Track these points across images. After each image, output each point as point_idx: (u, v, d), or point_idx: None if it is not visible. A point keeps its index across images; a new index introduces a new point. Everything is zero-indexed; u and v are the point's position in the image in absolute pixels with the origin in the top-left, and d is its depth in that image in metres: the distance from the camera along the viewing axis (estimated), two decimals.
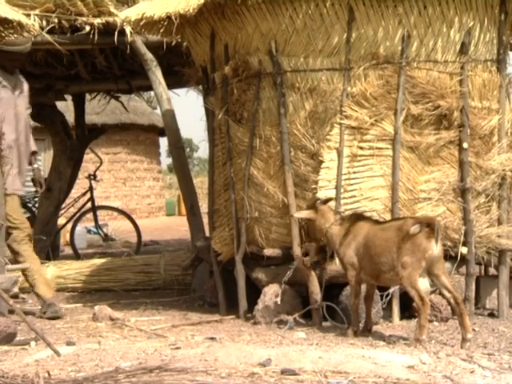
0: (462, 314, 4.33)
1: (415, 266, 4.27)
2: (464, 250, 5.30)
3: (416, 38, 5.21)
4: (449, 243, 5.29)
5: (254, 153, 5.45)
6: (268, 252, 5.37)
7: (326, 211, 4.87)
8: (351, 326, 4.73)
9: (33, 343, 4.42)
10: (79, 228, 10.82)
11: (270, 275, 5.43)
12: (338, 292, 5.19)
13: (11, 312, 4.71)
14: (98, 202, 11.25)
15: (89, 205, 10.46)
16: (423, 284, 4.38)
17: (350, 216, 4.85)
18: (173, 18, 5.54)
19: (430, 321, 5.13)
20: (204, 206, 6.93)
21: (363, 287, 4.80)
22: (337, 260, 5.06)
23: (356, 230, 4.68)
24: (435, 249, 4.27)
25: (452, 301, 4.38)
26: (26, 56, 6.07)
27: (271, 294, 5.23)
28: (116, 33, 6.76)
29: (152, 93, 10.26)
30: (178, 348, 4.04)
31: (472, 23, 5.32)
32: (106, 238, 10.94)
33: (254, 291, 5.47)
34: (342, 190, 5.18)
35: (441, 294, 4.55)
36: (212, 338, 4.51)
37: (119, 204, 17.07)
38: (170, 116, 6.88)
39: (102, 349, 4.01)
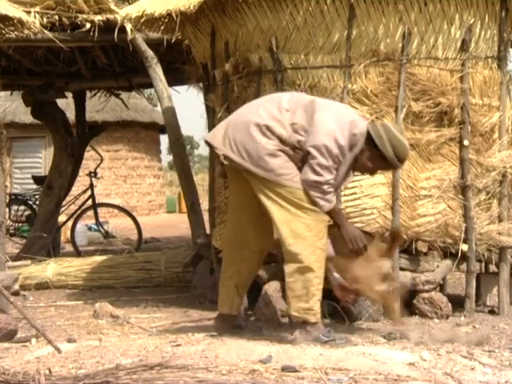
0: None
1: None
2: (464, 247, 5.30)
3: (416, 35, 5.21)
4: (449, 240, 5.30)
5: None
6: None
7: None
8: None
9: (33, 340, 4.42)
10: (80, 225, 10.82)
11: (270, 272, 5.43)
12: None
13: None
14: (98, 200, 11.24)
15: (89, 202, 10.46)
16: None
17: None
18: (173, 15, 5.53)
19: (431, 318, 5.15)
20: (205, 203, 6.93)
21: None
22: None
23: None
24: None
25: None
26: None
27: (272, 290, 5.22)
28: (116, 30, 6.76)
29: (152, 90, 10.25)
30: (178, 345, 4.04)
31: (473, 20, 5.32)
32: (107, 235, 10.95)
33: (254, 289, 5.46)
34: (342, 187, 5.17)
35: None
36: (212, 335, 4.51)
37: (120, 201, 17.06)
38: (170, 113, 6.88)
39: (103, 346, 4.01)
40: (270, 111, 4.22)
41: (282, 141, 4.17)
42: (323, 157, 4.12)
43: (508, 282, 5.51)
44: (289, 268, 4.17)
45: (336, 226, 4.37)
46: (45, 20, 6.69)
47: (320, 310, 4.23)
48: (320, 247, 4.16)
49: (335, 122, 4.20)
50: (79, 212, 10.35)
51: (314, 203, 4.15)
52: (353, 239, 4.31)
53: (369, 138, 4.26)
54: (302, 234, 4.12)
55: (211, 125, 6.02)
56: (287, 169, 4.14)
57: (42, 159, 17.20)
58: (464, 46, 5.30)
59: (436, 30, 5.24)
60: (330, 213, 4.26)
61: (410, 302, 5.22)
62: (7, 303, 4.68)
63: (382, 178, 5.21)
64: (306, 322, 4.15)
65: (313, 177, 4.13)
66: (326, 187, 4.15)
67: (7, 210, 10.42)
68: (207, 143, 4.40)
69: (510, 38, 5.74)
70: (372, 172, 4.50)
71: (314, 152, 4.12)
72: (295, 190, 4.12)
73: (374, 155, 4.28)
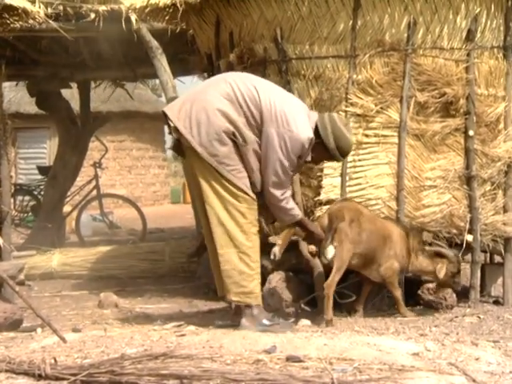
0: None
1: None
2: (469, 237, 5.29)
3: (422, 24, 5.19)
4: (454, 231, 5.29)
5: None
6: (273, 239, 5.36)
7: None
8: None
9: (39, 330, 4.44)
10: (85, 216, 10.84)
11: (275, 262, 5.43)
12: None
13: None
14: (103, 190, 11.27)
15: (94, 193, 10.49)
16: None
17: None
18: (178, 5, 5.53)
19: (436, 309, 5.15)
20: None
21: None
22: None
23: None
24: None
25: None
26: None
27: (276, 281, 5.23)
28: (121, 20, 6.75)
29: (157, 80, 10.26)
30: (183, 335, 4.05)
31: (479, 10, 5.29)
32: (112, 225, 10.98)
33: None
34: (347, 178, 5.17)
35: None
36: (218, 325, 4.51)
37: (124, 192, 17.08)
38: None
39: (108, 335, 4.02)
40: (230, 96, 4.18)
41: (235, 126, 4.14)
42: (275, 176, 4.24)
43: None
44: (225, 255, 4.21)
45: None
46: (49, 10, 6.69)
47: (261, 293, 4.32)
48: (254, 233, 4.29)
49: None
50: (84, 202, 10.37)
51: (246, 193, 4.22)
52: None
53: (315, 128, 4.32)
54: (238, 221, 4.21)
55: None
56: (231, 159, 4.15)
57: (46, 149, 17.21)
58: (470, 36, 5.27)
59: (441, 20, 5.21)
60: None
61: (414, 293, 5.22)
62: (13, 293, 4.70)
63: (387, 168, 5.20)
64: (248, 305, 4.21)
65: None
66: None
67: (12, 200, 10.45)
68: (164, 114, 4.28)
69: None
70: (315, 162, 4.58)
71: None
72: (231, 182, 4.17)
73: (316, 145, 4.33)
